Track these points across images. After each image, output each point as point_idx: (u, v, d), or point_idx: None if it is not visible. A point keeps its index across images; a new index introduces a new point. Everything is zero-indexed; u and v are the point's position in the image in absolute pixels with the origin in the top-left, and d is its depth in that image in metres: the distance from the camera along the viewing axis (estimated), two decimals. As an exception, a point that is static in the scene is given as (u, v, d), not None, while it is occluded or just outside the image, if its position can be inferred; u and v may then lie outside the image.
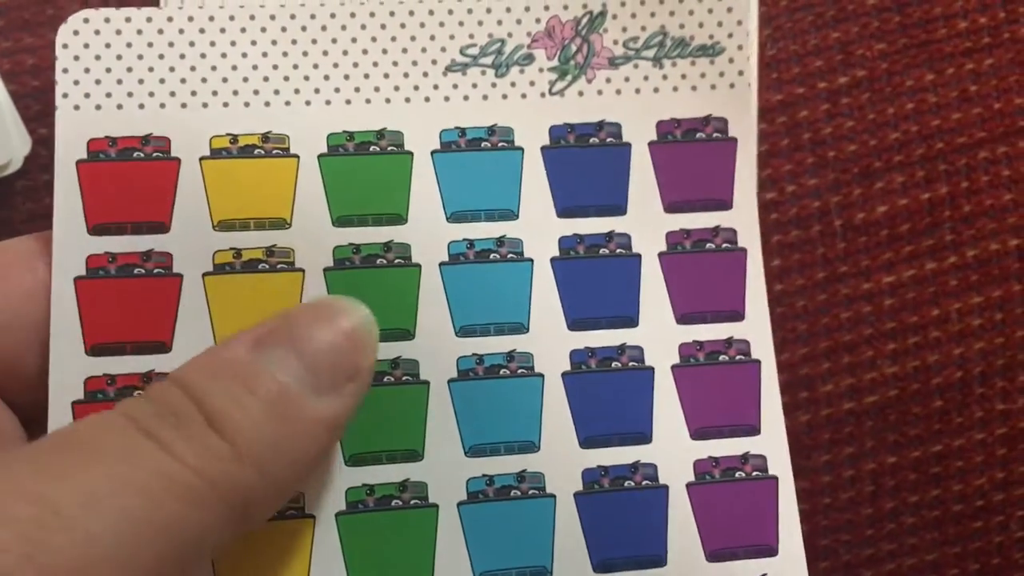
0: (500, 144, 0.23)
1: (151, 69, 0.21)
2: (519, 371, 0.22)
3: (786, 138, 0.25)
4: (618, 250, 0.23)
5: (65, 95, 0.21)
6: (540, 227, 0.23)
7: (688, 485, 0.22)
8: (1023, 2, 0.24)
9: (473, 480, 0.21)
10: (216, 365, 0.18)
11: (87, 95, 0.21)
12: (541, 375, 0.22)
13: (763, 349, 0.23)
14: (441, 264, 0.22)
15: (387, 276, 0.22)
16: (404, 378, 0.21)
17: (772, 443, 0.23)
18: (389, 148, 0.22)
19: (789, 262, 0.25)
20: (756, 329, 0.23)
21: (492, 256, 0.22)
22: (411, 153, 0.22)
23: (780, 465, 0.23)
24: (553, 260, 0.22)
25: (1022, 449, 0.24)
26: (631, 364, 0.22)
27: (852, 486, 0.25)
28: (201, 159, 0.21)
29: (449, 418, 0.22)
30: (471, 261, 0.22)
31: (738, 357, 0.23)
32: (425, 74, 0.22)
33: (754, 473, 0.22)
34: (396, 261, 0.22)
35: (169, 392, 0.17)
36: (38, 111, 0.20)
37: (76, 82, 0.21)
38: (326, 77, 0.22)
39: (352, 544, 0.21)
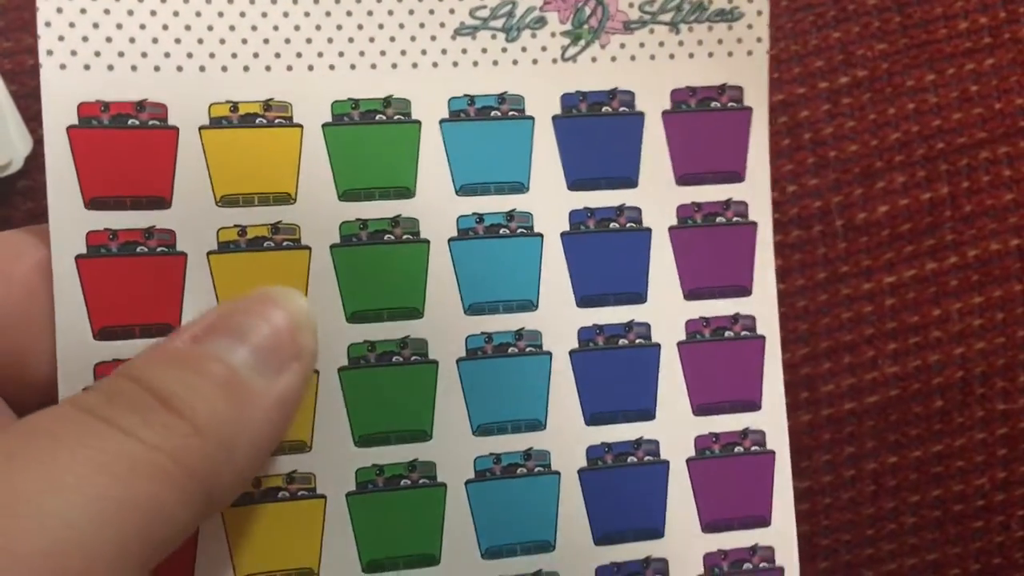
0: (510, 113, 0.26)
1: (143, 27, 0.24)
2: (527, 349, 0.26)
3: (787, 138, 0.29)
4: (628, 224, 0.26)
5: (49, 52, 0.24)
6: (550, 200, 0.27)
7: (688, 460, 0.27)
8: (1023, 2, 0.27)
9: (480, 459, 0.26)
10: (162, 356, 0.21)
11: (73, 52, 0.24)
12: (549, 353, 0.26)
13: (768, 324, 0.27)
14: (450, 240, 0.26)
15: (395, 253, 0.25)
16: (413, 358, 0.25)
17: (772, 418, 0.28)
18: (396, 117, 0.25)
19: (790, 262, 0.29)
20: (762, 304, 0.27)
21: (502, 231, 0.26)
22: (419, 122, 0.26)
23: (778, 440, 0.28)
24: (563, 235, 0.26)
25: (1023, 449, 0.27)
26: (638, 341, 0.27)
27: (853, 486, 0.29)
28: (201, 128, 0.24)
29: (457, 398, 0.26)
30: (480, 236, 0.26)
31: (743, 333, 0.27)
32: (433, 38, 0.25)
33: (752, 448, 0.27)
34: (404, 237, 0.25)
35: (120, 383, 0.20)
36: (39, 111, 0.22)
37: (61, 37, 0.23)
38: (329, 40, 0.25)
39: (362, 523, 0.25)
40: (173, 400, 0.20)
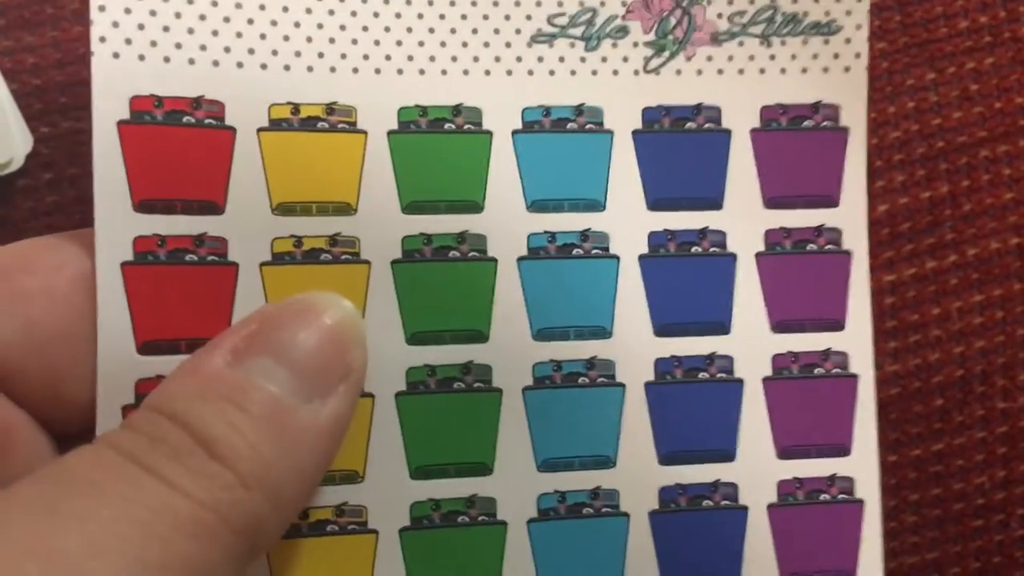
0: (588, 126, 0.24)
1: (202, 17, 0.23)
2: (599, 380, 0.24)
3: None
4: (712, 248, 0.25)
5: (102, 39, 0.22)
6: (628, 220, 0.25)
7: (769, 506, 0.25)
8: (1023, 1, 0.27)
9: (545, 496, 0.24)
10: (199, 385, 0.20)
11: (128, 41, 0.22)
12: (622, 385, 0.24)
13: (862, 363, 0.25)
14: (519, 259, 0.24)
15: (460, 271, 0.24)
16: (475, 385, 0.23)
17: (862, 465, 0.26)
18: (466, 126, 0.24)
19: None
20: (856, 341, 0.25)
21: (575, 251, 0.24)
22: (490, 133, 0.24)
23: (868, 488, 0.25)
24: (641, 258, 0.24)
25: (1023, 447, 0.27)
26: (719, 375, 0.24)
27: None
28: (259, 130, 0.23)
29: (522, 430, 0.24)
30: (552, 256, 0.24)
31: (835, 371, 0.25)
32: (508, 44, 0.24)
33: (839, 496, 0.25)
34: (471, 254, 0.24)
35: (156, 422, 0.19)
36: (39, 109, 0.21)
37: (115, 24, 0.22)
38: (398, 43, 0.23)
39: (415, 562, 0.23)
40: (217, 446, 0.19)
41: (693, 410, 0.26)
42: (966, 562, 0.28)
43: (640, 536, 0.25)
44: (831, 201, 0.26)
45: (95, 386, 0.22)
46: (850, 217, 0.26)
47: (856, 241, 0.26)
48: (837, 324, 0.26)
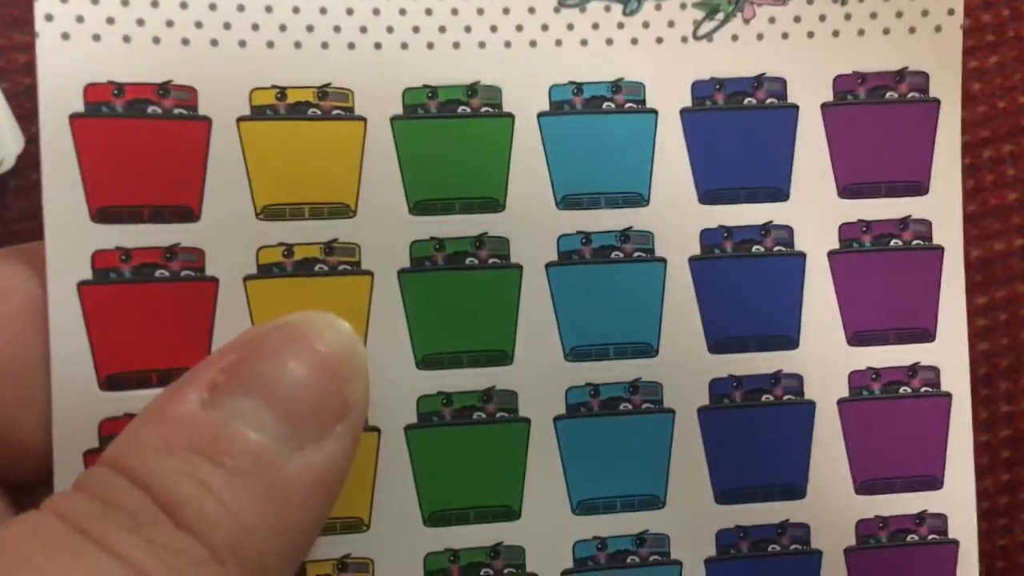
0: (627, 105, 0.22)
1: None
2: (644, 406, 0.21)
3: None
4: (776, 248, 0.21)
5: (48, 16, 0.19)
6: (677, 217, 0.22)
7: (847, 551, 0.22)
8: None
9: (581, 544, 0.21)
10: (165, 434, 0.17)
11: (80, 19, 0.19)
12: (672, 411, 0.21)
13: (957, 379, 0.22)
14: (548, 265, 0.21)
15: (479, 281, 0.21)
16: (499, 415, 0.21)
17: (956, 499, 0.22)
18: (483, 109, 0.20)
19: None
20: (950, 353, 0.22)
21: (614, 254, 0.21)
22: (511, 116, 0.21)
23: (963, 526, 0.22)
24: (692, 260, 0.21)
25: None
26: (786, 398, 0.21)
27: None
28: (239, 120, 0.20)
29: (554, 465, 0.21)
30: (587, 261, 0.21)
31: (924, 389, 0.22)
32: (531, 10, 0.21)
33: (930, 537, 0.21)
34: (491, 261, 0.21)
35: (112, 483, 0.17)
36: (30, 109, 0.20)
37: None
38: (402, 11, 0.20)
39: (431, 622, 0.20)
40: (183, 511, 0.16)
41: (755, 439, 0.22)
42: None
43: None
44: (919, 188, 0.22)
45: (51, 430, 0.19)
46: (942, 206, 0.22)
47: (949, 235, 0.22)
48: (926, 334, 0.22)
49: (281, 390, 0.18)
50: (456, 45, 0.21)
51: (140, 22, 0.20)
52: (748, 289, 0.22)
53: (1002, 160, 0.25)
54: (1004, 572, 0.26)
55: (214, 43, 0.20)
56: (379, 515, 0.21)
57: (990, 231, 0.25)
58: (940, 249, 0.22)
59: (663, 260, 0.22)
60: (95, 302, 0.20)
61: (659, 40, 0.22)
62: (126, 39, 0.20)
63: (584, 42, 0.21)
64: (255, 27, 0.20)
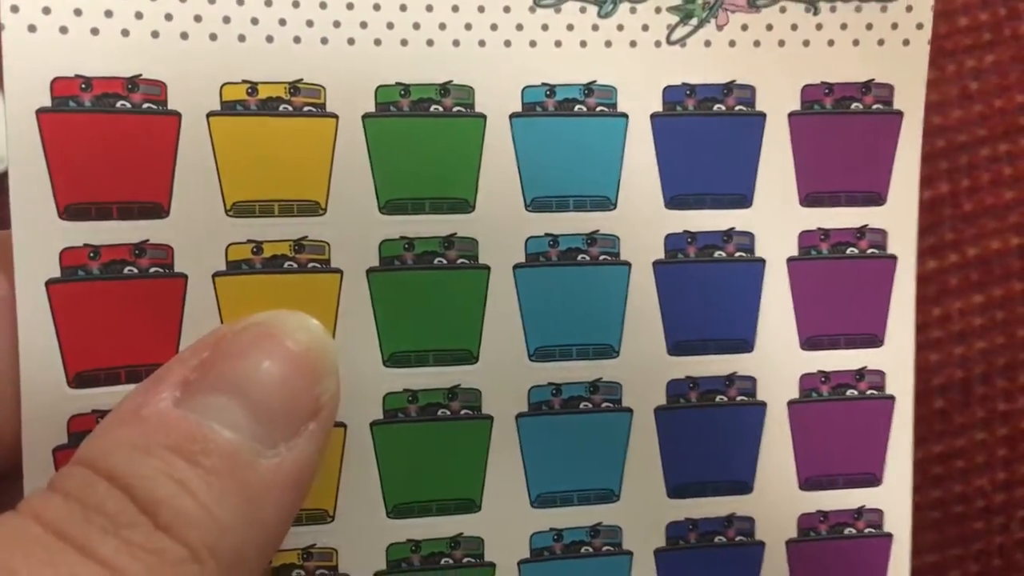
0: (599, 108, 0.22)
1: None
2: (603, 405, 0.22)
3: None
4: (738, 253, 0.22)
5: (14, 8, 0.19)
6: (643, 221, 0.23)
7: (789, 542, 0.23)
8: None
9: (538, 535, 0.22)
10: (141, 433, 0.18)
11: (46, 10, 0.19)
12: (630, 410, 0.22)
13: (901, 383, 0.24)
14: (516, 266, 0.22)
15: (447, 281, 0.22)
16: (463, 412, 0.21)
17: (893, 495, 0.24)
18: (455, 109, 0.21)
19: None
20: (896, 358, 0.23)
21: (580, 257, 0.22)
22: (483, 116, 0.22)
23: (898, 521, 0.23)
24: (656, 264, 0.22)
25: (1023, 450, 0.27)
26: (739, 399, 0.22)
27: None
28: (209, 115, 0.20)
29: (514, 461, 0.22)
30: (553, 263, 0.21)
31: (869, 392, 0.23)
32: (507, 9, 0.21)
33: (866, 530, 0.23)
34: (459, 261, 0.22)
35: (91, 485, 0.17)
36: None
37: None
38: (376, 7, 0.20)
39: (392, 608, 0.21)
40: (162, 511, 0.16)
41: (708, 437, 0.23)
42: (966, 565, 0.28)
43: (644, 569, 0.23)
44: (878, 198, 0.23)
45: (20, 424, 0.19)
46: (898, 217, 0.23)
47: (903, 244, 0.24)
48: (875, 340, 0.24)
49: (254, 389, 0.18)
50: (430, 43, 0.21)
51: (108, 14, 0.20)
52: (709, 293, 0.23)
53: (999, 159, 0.26)
54: (1001, 571, 0.27)
55: (184, 36, 0.20)
56: (344, 507, 0.22)
57: (987, 230, 0.26)
58: (894, 258, 0.24)
59: (628, 264, 0.23)
60: (63, 300, 0.20)
61: (633, 44, 0.22)
62: (94, 31, 0.20)
63: (558, 43, 0.22)
64: (226, 20, 0.20)
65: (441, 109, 0.22)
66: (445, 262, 0.22)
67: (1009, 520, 0.27)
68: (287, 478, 0.18)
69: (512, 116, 0.22)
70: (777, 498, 0.24)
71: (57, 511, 0.17)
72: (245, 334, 0.19)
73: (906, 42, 0.23)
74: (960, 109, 0.25)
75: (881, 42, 0.23)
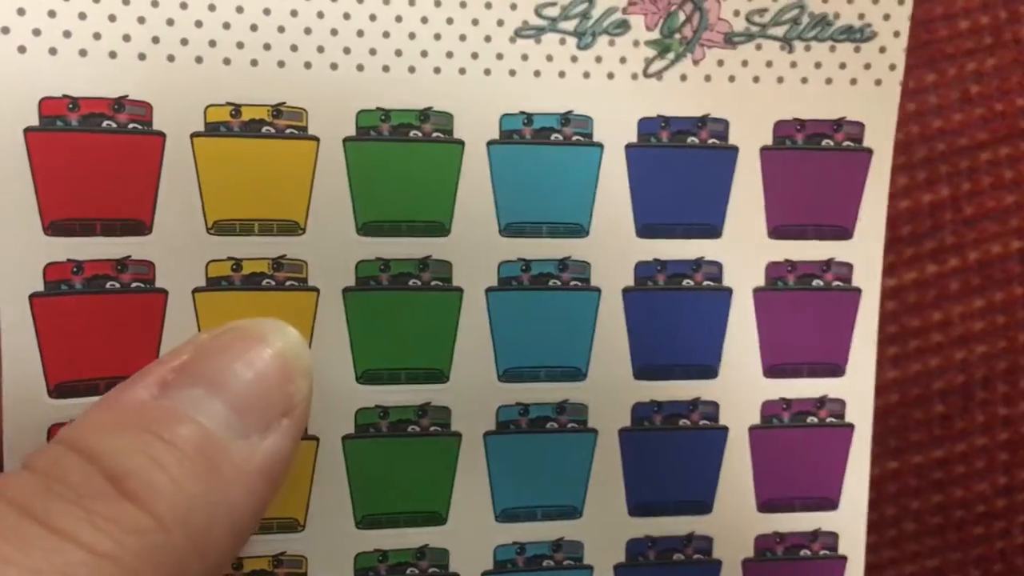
0: (575, 137, 0.22)
1: (126, 2, 0.20)
2: (569, 425, 0.22)
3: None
4: (706, 282, 0.23)
5: (5, 30, 0.20)
6: (614, 249, 0.23)
7: (744, 562, 0.24)
8: None
9: (502, 548, 0.23)
10: (118, 415, 0.18)
11: (36, 32, 0.20)
12: (595, 431, 0.23)
13: (860, 412, 0.24)
14: (488, 290, 0.23)
15: (421, 302, 0.22)
16: (432, 428, 0.22)
17: (849, 519, 0.24)
18: (434, 135, 0.21)
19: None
20: (856, 388, 0.24)
21: (551, 282, 0.22)
22: (461, 143, 0.22)
23: (852, 544, 0.24)
24: (625, 291, 0.22)
25: None
26: (702, 423, 0.23)
27: None
28: (193, 136, 0.20)
29: (481, 477, 0.23)
30: (525, 287, 0.22)
31: (829, 420, 0.24)
32: (487, 38, 0.21)
33: (821, 552, 0.24)
34: (433, 283, 0.22)
35: (61, 458, 0.17)
36: None
37: (20, 11, 0.19)
38: (359, 33, 0.21)
39: (358, 615, 0.22)
40: (130, 481, 0.17)
41: (670, 459, 0.24)
42: (967, 570, 0.28)
43: None
44: (845, 232, 0.24)
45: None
46: (864, 251, 0.24)
47: (868, 278, 0.24)
48: (837, 369, 0.24)
49: (229, 382, 0.19)
50: (411, 69, 0.22)
51: (97, 36, 0.20)
52: (676, 320, 0.24)
53: (1000, 163, 0.26)
54: (1004, 575, 0.27)
55: (170, 59, 0.21)
56: (314, 517, 0.23)
57: (987, 234, 0.26)
58: (858, 291, 0.24)
59: (598, 290, 0.23)
60: (47, 313, 0.21)
61: (610, 75, 0.23)
62: (82, 53, 0.20)
63: (537, 73, 0.22)
64: (212, 43, 0.21)
65: (420, 135, 0.22)
66: (419, 284, 0.22)
67: (1010, 525, 0.27)
68: (259, 468, 0.19)
69: (489, 143, 0.22)
70: (735, 519, 0.24)
71: (22, 487, 0.17)
72: (224, 336, 0.20)
73: (878, 82, 0.24)
74: (961, 113, 0.25)
75: (854, 81, 0.23)
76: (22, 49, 0.20)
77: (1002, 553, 0.27)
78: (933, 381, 0.27)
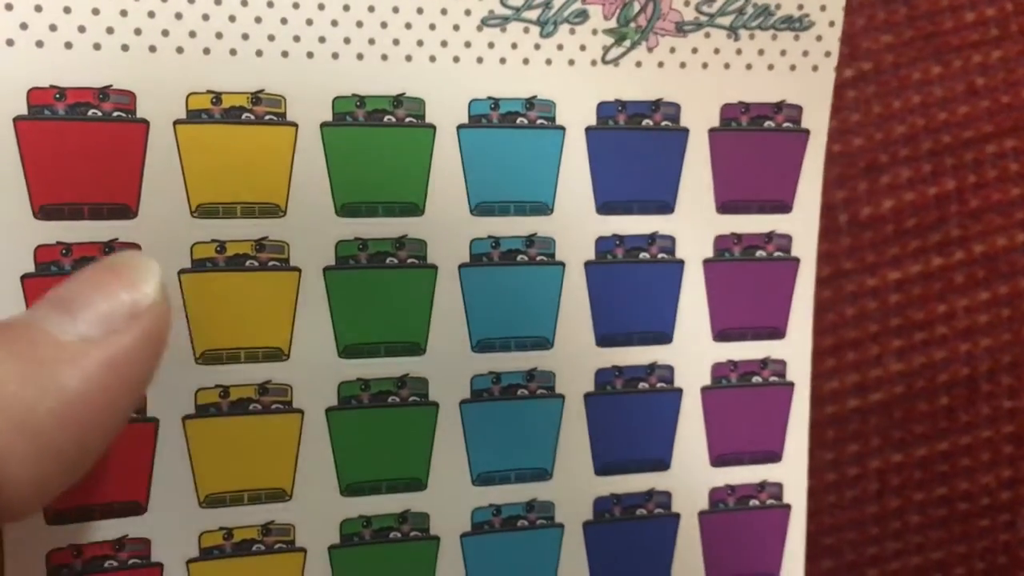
0: (539, 121, 0.23)
1: None
2: (538, 392, 0.24)
3: (790, 132, 0.27)
4: (660, 255, 0.24)
5: None
6: (576, 225, 0.24)
7: (700, 513, 0.25)
8: None
9: (479, 510, 0.24)
10: None
11: (23, 26, 0.20)
12: (562, 397, 0.24)
13: (799, 371, 0.26)
14: (461, 266, 0.23)
15: (398, 279, 0.23)
16: (411, 399, 0.23)
17: (792, 471, 0.26)
18: (407, 119, 0.22)
19: (794, 258, 0.27)
20: (795, 349, 0.25)
21: (519, 258, 0.23)
22: (433, 127, 0.23)
23: (796, 493, 0.26)
24: (587, 265, 0.24)
25: None
26: (659, 385, 0.24)
27: (857, 484, 0.29)
28: (175, 123, 0.21)
29: (458, 443, 0.24)
30: (495, 263, 0.23)
31: (772, 379, 0.25)
32: (456, 27, 0.22)
33: (768, 501, 0.26)
34: (409, 261, 0.23)
35: None
36: None
37: (8, 6, 0.20)
38: (334, 23, 0.21)
39: (344, 578, 0.23)
40: None
41: (631, 420, 0.25)
42: (971, 562, 0.28)
43: (573, 547, 0.25)
44: (784, 206, 0.26)
45: None
46: (802, 223, 0.26)
47: (805, 248, 0.26)
48: (778, 332, 0.26)
49: (60, 288, 0.18)
50: (384, 57, 0.23)
51: (82, 29, 0.21)
52: (633, 291, 0.25)
53: (1005, 155, 0.26)
54: (1007, 568, 0.28)
55: (152, 49, 0.21)
56: (300, 486, 0.23)
57: (993, 226, 0.26)
58: (797, 260, 0.26)
59: (562, 264, 0.25)
60: (38, 294, 0.21)
61: (571, 62, 0.24)
62: (68, 45, 0.21)
63: (503, 60, 0.24)
64: (192, 34, 0.21)
65: (394, 120, 0.23)
66: (396, 261, 0.23)
67: (1015, 517, 0.27)
68: (100, 360, 0.18)
69: (459, 127, 0.23)
70: (691, 474, 0.26)
71: None
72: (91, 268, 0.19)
73: (815, 68, 0.25)
74: (966, 105, 0.25)
75: (793, 67, 0.25)
76: (10, 42, 0.20)
77: (1006, 546, 0.28)
78: (938, 374, 0.27)
